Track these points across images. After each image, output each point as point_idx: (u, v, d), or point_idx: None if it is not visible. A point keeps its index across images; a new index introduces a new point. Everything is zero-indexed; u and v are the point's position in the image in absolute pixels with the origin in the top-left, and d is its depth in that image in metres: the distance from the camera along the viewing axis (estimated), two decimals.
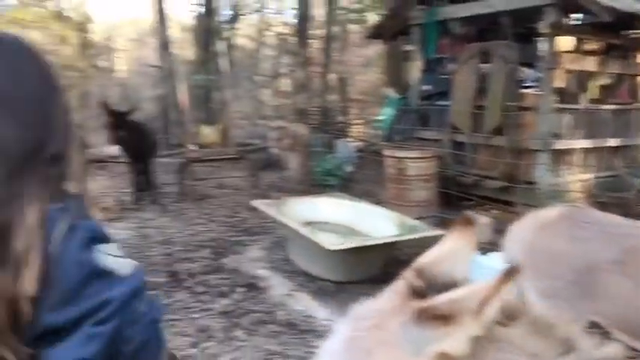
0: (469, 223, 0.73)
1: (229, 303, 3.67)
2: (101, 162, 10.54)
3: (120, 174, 9.17)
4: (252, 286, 3.98)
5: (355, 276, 4.04)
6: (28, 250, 0.76)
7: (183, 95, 9.16)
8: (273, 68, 23.72)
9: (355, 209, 4.84)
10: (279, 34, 20.47)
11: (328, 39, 16.63)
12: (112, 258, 0.82)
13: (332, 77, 16.80)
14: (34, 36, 24.81)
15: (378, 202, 6.22)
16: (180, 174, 7.26)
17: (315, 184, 7.34)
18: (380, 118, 11.26)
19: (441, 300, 0.58)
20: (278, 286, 4.03)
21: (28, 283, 0.76)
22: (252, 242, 5.13)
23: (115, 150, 6.04)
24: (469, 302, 0.56)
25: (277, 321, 3.42)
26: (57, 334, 0.77)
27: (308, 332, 3.27)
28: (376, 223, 4.47)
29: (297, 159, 7.95)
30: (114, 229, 5.55)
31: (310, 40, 14.40)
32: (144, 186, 6.94)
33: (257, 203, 4.78)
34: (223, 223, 5.83)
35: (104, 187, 8.16)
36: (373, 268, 4.10)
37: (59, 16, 19.01)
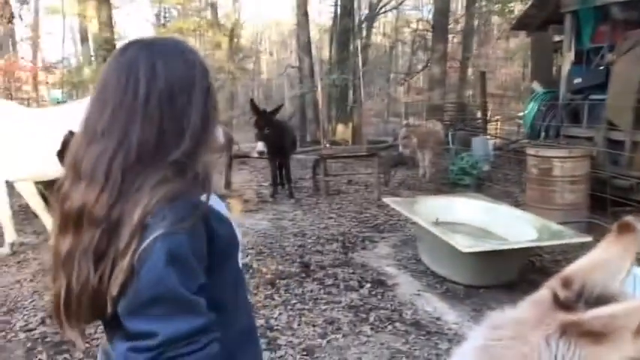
0: (629, 229, 0.63)
1: (357, 297, 3.69)
2: (244, 157, 11.34)
3: (260, 169, 9.79)
4: (380, 283, 3.96)
5: (488, 281, 3.82)
6: (126, 250, 0.81)
7: (319, 94, 9.48)
8: (408, 65, 23.47)
9: (491, 210, 4.57)
10: (416, 30, 20.17)
11: (467, 33, 15.98)
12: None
13: (470, 72, 16.11)
14: (192, 43, 27.42)
15: (517, 204, 5.83)
16: (314, 170, 7.52)
17: (449, 183, 7.10)
18: (522, 113, 10.52)
19: (592, 314, 0.50)
20: (405, 284, 3.97)
21: (115, 284, 0.80)
22: (381, 239, 5.12)
23: (259, 146, 6.42)
24: (628, 320, 0.48)
25: (404, 320, 3.36)
26: (124, 332, 0.84)
27: (435, 334, 3.17)
28: (514, 226, 4.17)
29: (430, 156, 7.75)
30: (253, 220, 5.94)
31: (448, 35, 13.95)
32: (281, 180, 7.33)
33: (388, 200, 4.76)
34: (353, 218, 5.90)
35: (246, 181, 8.77)
36: (508, 273, 3.85)
37: (214, 24, 20.86)
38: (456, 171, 7.00)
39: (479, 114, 12.96)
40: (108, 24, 13.07)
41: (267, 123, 6.43)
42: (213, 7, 20.98)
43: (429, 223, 3.97)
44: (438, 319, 3.39)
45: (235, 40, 25.90)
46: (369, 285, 3.92)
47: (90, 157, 0.87)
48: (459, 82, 16.54)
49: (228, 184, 7.74)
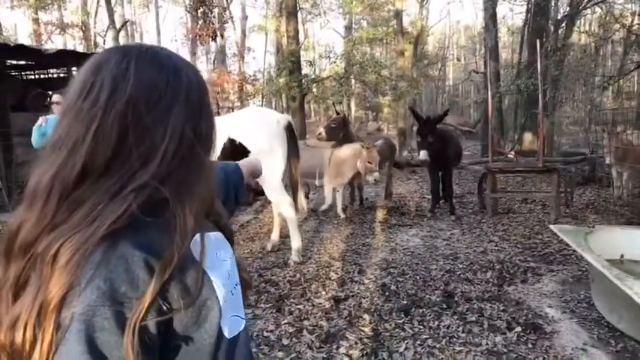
0: None
1: (501, 342, 3.14)
2: (415, 166, 11.03)
3: (427, 180, 9.36)
4: (534, 327, 3.32)
5: None
6: (48, 306, 0.66)
7: (489, 102, 8.60)
8: (618, 66, 20.28)
9: None
10: (629, 26, 17.28)
11: None
12: None
13: None
14: (378, 51, 28.09)
15: None
16: (480, 184, 6.85)
17: None
18: None
19: None
20: (568, 334, 3.25)
21: (38, 348, 0.65)
22: (548, 272, 4.35)
23: (421, 154, 6.09)
24: None
25: None
26: None
27: None
28: None
29: (630, 175, 6.44)
30: (405, 235, 5.63)
31: None
32: (442, 194, 6.84)
33: (554, 227, 4.00)
34: (518, 243, 5.15)
35: (410, 192, 8.45)
36: None
37: (400, 33, 20.96)
38: None
39: None
40: (294, 37, 13.98)
41: (429, 131, 6.07)
42: (398, 16, 20.97)
43: (603, 262, 3.20)
44: None
45: (420, 46, 25.60)
46: (519, 328, 3.31)
47: (36, 174, 0.73)
48: None
49: (389, 195, 7.54)
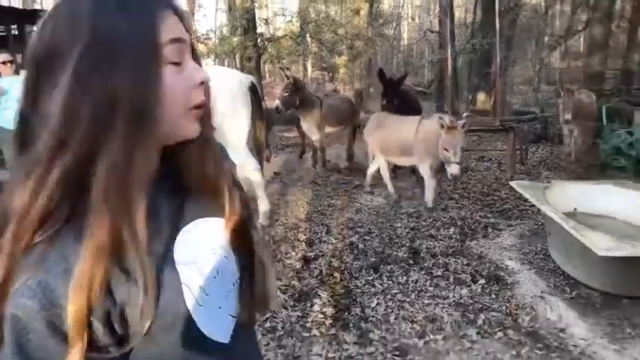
0: None
1: (466, 294, 3.30)
2: None
3: None
4: (497, 279, 3.50)
5: (634, 289, 3.16)
6: None
7: (450, 60, 8.70)
8: (565, 26, 20.86)
9: None
10: None
11: None
12: None
13: None
14: (333, 9, 27.58)
15: None
16: None
17: (599, 165, 6.11)
18: None
19: None
20: (528, 283, 3.46)
21: None
22: (507, 227, 4.56)
23: None
24: None
25: (519, 327, 2.91)
26: None
27: (556, 350, 2.69)
28: None
29: (579, 132, 6.72)
30: (370, 196, 5.72)
31: None
32: None
33: (514, 184, 4.17)
34: (478, 200, 5.36)
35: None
36: None
37: None
38: (607, 150, 5.96)
39: None
40: None
41: (391, 92, 6.10)
42: None
43: (560, 215, 3.38)
44: (561, 330, 2.88)
45: (376, 5, 25.32)
46: (483, 280, 3.49)
47: None
48: (627, 44, 14.17)
49: (350, 157, 7.59)
